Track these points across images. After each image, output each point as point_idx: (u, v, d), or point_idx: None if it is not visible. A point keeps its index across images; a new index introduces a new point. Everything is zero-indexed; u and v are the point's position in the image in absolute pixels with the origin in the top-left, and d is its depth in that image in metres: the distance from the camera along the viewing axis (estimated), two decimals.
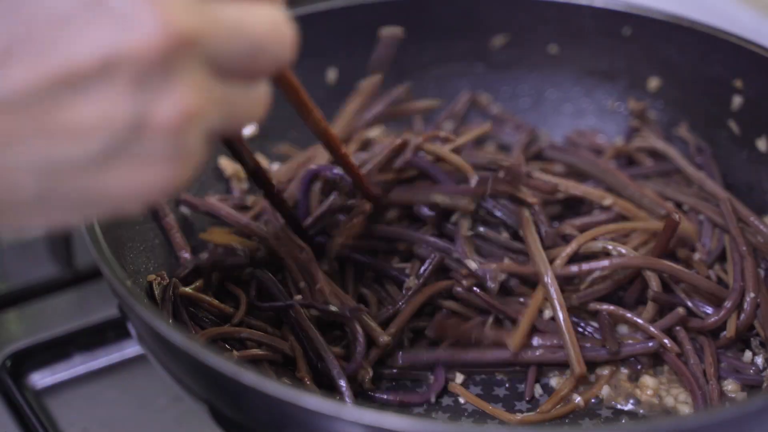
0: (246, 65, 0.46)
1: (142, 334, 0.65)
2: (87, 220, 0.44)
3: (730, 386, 0.72)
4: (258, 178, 0.74)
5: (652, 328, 0.73)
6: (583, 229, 0.78)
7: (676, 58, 0.88)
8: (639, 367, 0.73)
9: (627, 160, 0.88)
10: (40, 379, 0.79)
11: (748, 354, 0.74)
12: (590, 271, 0.74)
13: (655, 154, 0.88)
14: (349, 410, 0.54)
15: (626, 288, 0.76)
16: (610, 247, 0.75)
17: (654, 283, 0.74)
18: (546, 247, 0.75)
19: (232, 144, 0.71)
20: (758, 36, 0.85)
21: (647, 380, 0.72)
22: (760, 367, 0.73)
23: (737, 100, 0.85)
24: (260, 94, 0.48)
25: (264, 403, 0.57)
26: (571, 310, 0.74)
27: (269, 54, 0.47)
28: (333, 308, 0.71)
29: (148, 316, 0.60)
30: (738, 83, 0.84)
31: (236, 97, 0.47)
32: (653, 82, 0.90)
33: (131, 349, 0.79)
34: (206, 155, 0.46)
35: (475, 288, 0.74)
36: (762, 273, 0.77)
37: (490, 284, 0.73)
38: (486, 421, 0.69)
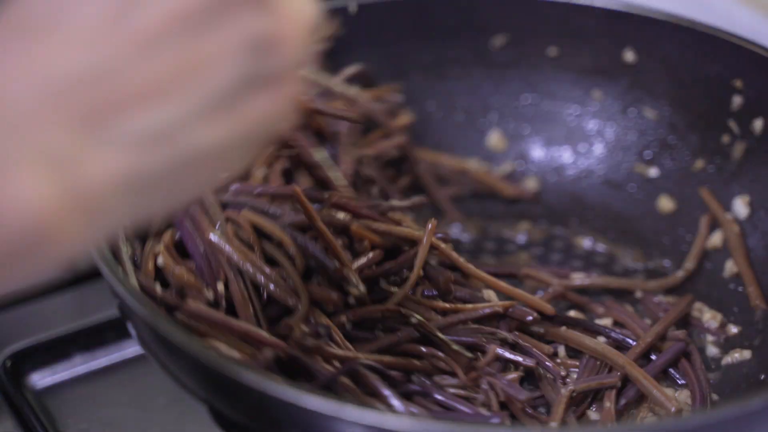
0: None
1: (142, 334, 0.66)
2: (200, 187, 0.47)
3: None
4: None
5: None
6: None
7: (676, 58, 0.88)
8: None
9: None
10: (40, 379, 0.79)
11: None
12: None
13: None
14: (350, 410, 0.54)
15: None
16: None
17: None
18: None
19: None
20: (758, 36, 0.85)
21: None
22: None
23: (737, 100, 0.85)
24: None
25: (264, 403, 0.57)
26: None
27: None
28: None
29: (148, 316, 0.60)
30: (738, 83, 0.84)
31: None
32: (653, 82, 0.90)
33: (131, 349, 0.79)
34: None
35: None
36: None
37: None
38: None
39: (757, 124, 0.84)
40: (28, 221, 0.41)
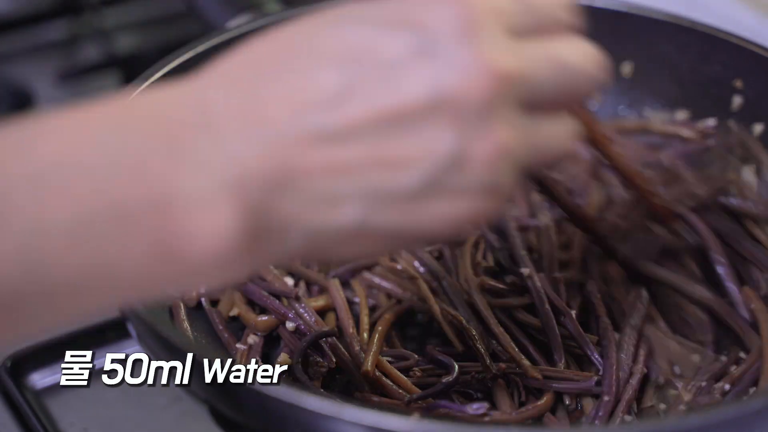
0: (556, 97, 0.49)
1: (142, 334, 0.66)
2: (388, 250, 0.52)
3: None
4: (575, 218, 0.73)
5: None
6: None
7: (676, 58, 0.88)
8: None
9: None
10: (40, 379, 0.79)
11: None
12: None
13: None
14: (350, 410, 0.54)
15: None
16: None
17: None
18: None
19: (543, 183, 0.71)
20: (758, 36, 0.85)
21: None
22: None
23: (737, 100, 0.85)
24: (566, 126, 0.51)
25: (264, 404, 0.57)
26: None
27: (583, 81, 0.50)
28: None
29: (148, 317, 0.60)
30: (738, 83, 0.84)
31: (544, 130, 0.49)
32: (653, 83, 0.90)
33: (131, 349, 0.79)
34: (515, 189, 0.49)
35: None
36: None
37: None
38: None
39: (757, 126, 0.84)
40: (208, 252, 0.44)
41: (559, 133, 0.50)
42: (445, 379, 0.67)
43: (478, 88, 0.45)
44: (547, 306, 0.71)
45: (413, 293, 0.75)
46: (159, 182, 0.44)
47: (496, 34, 0.47)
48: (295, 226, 0.46)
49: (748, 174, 0.84)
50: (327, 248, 0.48)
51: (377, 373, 0.68)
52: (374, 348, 0.69)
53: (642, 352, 0.71)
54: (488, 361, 0.67)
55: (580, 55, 0.51)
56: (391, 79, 0.45)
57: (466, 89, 0.45)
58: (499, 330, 0.70)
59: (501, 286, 0.74)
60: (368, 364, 0.68)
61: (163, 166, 0.44)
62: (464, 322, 0.71)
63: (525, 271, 0.73)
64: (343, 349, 0.70)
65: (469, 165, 0.46)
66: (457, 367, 0.68)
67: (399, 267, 0.76)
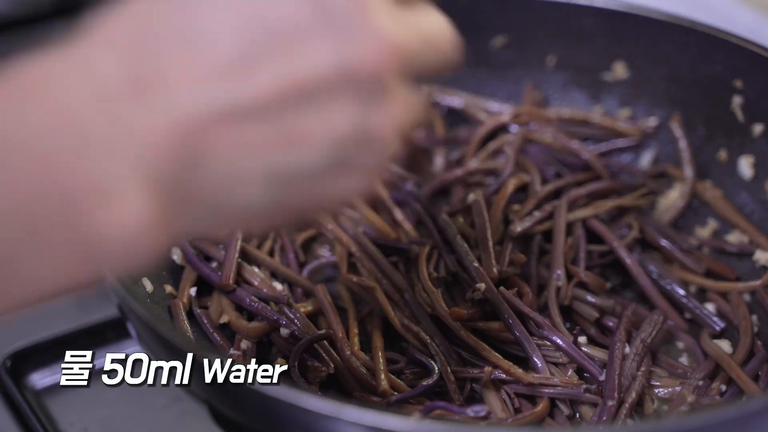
0: (419, 69, 0.48)
1: (141, 334, 0.66)
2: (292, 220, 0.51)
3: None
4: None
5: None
6: None
7: (676, 58, 0.88)
8: None
9: None
10: (40, 379, 0.79)
11: None
12: None
13: None
14: (350, 410, 0.54)
15: None
16: None
17: None
18: None
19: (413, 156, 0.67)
20: (758, 36, 0.85)
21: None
22: None
23: (737, 100, 0.85)
24: (420, 96, 0.50)
25: (264, 404, 0.57)
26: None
27: (444, 55, 0.49)
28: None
29: (147, 317, 0.60)
30: (738, 83, 0.84)
31: (414, 99, 0.49)
32: (653, 83, 0.90)
33: (131, 349, 0.79)
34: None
35: None
36: None
37: None
38: None
39: (757, 126, 0.84)
40: (122, 239, 0.42)
41: (418, 102, 0.50)
42: (425, 382, 0.68)
43: (381, 61, 0.44)
44: (513, 316, 0.71)
45: (373, 304, 0.75)
46: (68, 176, 0.41)
47: (383, 4, 0.46)
48: (205, 203, 0.44)
49: (744, 166, 0.84)
50: (237, 222, 0.48)
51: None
52: (382, 366, 0.69)
53: (647, 361, 0.71)
54: (453, 387, 0.68)
55: (441, 31, 0.50)
56: (294, 50, 0.43)
57: (369, 63, 0.44)
58: (472, 340, 0.71)
59: (466, 311, 0.72)
60: (384, 383, 0.68)
61: (70, 158, 0.41)
62: (428, 339, 0.71)
63: (480, 286, 0.72)
64: (335, 354, 0.70)
65: (371, 141, 0.45)
66: (438, 369, 0.68)
67: (355, 279, 0.76)
